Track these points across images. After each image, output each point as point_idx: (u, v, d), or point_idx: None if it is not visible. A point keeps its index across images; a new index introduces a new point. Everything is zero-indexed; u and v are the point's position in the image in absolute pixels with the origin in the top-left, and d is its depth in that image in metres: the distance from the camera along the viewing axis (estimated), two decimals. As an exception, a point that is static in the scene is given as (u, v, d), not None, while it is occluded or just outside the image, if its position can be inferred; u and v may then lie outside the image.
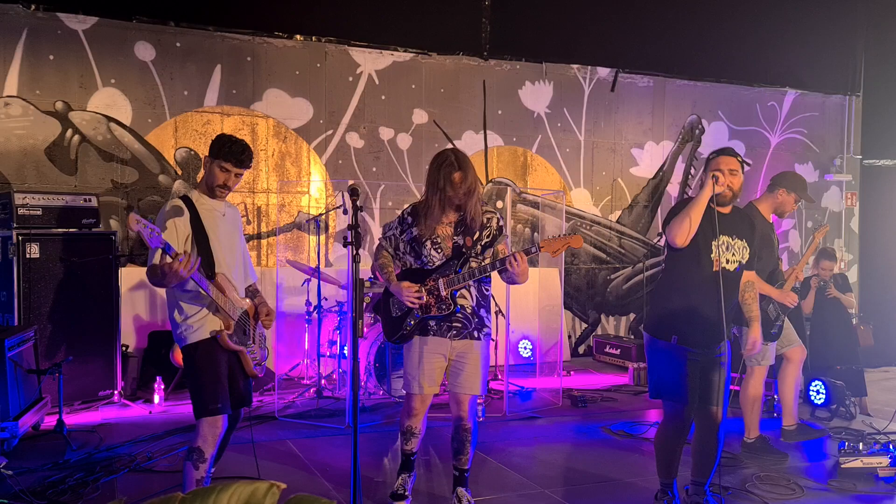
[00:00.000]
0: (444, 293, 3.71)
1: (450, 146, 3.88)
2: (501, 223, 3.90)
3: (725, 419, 3.79)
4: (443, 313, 3.74)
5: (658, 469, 3.91)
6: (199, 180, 3.68)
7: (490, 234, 3.82)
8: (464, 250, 3.76)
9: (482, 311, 3.83)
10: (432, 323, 3.76)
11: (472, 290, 3.79)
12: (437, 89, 8.19)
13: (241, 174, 3.59)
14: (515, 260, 3.58)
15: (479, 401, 5.84)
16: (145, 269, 3.46)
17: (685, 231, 3.60)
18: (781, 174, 5.08)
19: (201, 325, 3.46)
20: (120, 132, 7.00)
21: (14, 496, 3.82)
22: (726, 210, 3.80)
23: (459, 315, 3.76)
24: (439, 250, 3.77)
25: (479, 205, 3.78)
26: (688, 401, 3.69)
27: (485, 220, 3.80)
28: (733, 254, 3.77)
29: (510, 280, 3.73)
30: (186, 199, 3.55)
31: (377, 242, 4.04)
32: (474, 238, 3.77)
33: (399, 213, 3.99)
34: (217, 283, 3.48)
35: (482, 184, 8.33)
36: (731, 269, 3.75)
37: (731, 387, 5.78)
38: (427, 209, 3.75)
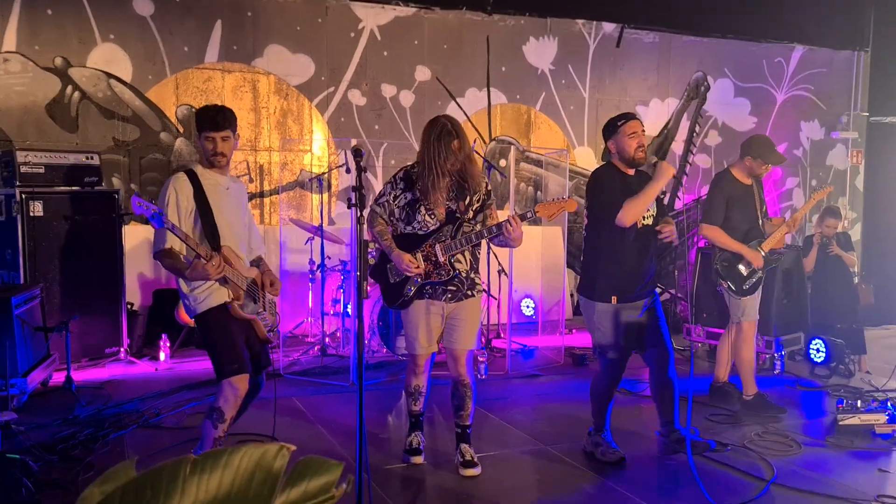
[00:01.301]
0: (442, 259, 3.80)
1: (444, 116, 3.95)
2: (489, 187, 3.98)
3: (672, 357, 4.10)
4: (442, 279, 3.83)
5: (593, 413, 4.25)
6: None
7: (480, 198, 3.90)
8: (458, 215, 3.83)
9: (473, 273, 3.95)
10: (429, 287, 3.86)
11: (467, 253, 3.89)
12: (439, 45, 8.09)
13: (229, 136, 3.60)
14: (511, 224, 3.66)
15: (480, 359, 5.91)
16: (151, 238, 3.52)
17: (640, 216, 3.94)
18: (748, 140, 5.10)
19: (208, 294, 3.54)
20: (120, 89, 6.94)
21: (25, 451, 3.89)
22: (632, 172, 4.13)
23: (455, 280, 3.86)
24: (433, 216, 3.82)
25: (475, 170, 3.87)
26: (624, 352, 4.08)
27: (475, 186, 3.88)
28: (647, 209, 4.01)
29: (503, 244, 3.86)
30: (191, 174, 3.60)
31: (369, 209, 3.98)
32: (466, 203, 3.85)
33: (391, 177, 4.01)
34: (223, 255, 3.53)
35: (485, 142, 8.28)
36: (651, 224, 4.06)
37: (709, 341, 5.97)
38: (427, 176, 3.75)
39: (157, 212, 3.22)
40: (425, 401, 4.11)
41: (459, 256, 3.86)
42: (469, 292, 3.90)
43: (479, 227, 3.88)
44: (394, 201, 3.89)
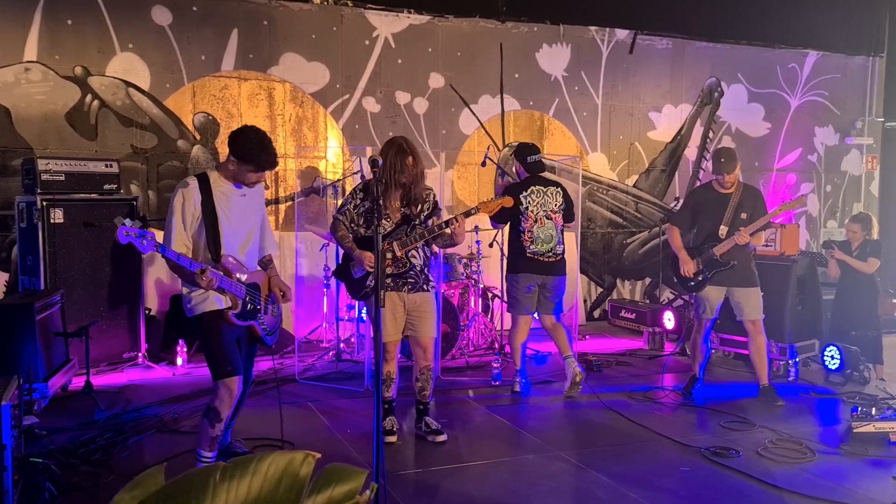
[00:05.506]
0: (399, 253, 4.37)
1: (400, 137, 4.56)
2: (436, 199, 4.57)
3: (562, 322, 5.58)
4: (399, 270, 4.41)
5: (513, 359, 5.70)
6: (220, 161, 3.81)
7: (429, 206, 4.50)
8: (411, 218, 4.42)
9: (427, 269, 4.54)
10: (389, 280, 4.41)
11: (421, 251, 4.48)
12: (453, 53, 8.14)
13: None
14: (457, 221, 4.27)
15: (494, 365, 5.96)
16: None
17: None
18: None
19: (204, 298, 3.65)
20: (138, 97, 7.04)
21: (48, 454, 3.96)
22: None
23: (412, 272, 4.44)
24: (388, 219, 4.39)
25: (423, 183, 4.48)
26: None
27: (424, 196, 4.48)
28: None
29: (448, 244, 4.51)
30: (202, 179, 3.65)
31: (332, 217, 4.62)
32: (418, 210, 4.45)
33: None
34: (222, 265, 3.60)
35: (499, 149, 8.32)
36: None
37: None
38: (382, 187, 4.29)
39: (142, 235, 3.22)
40: (396, 388, 4.61)
41: (415, 252, 4.44)
42: (425, 286, 4.49)
43: (430, 224, 4.43)
44: (354, 209, 4.47)
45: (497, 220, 5.52)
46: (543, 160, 5.65)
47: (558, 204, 5.51)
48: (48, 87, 6.72)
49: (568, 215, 5.58)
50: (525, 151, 5.60)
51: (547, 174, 5.73)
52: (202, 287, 3.49)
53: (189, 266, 3.43)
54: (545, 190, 5.50)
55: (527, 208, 5.42)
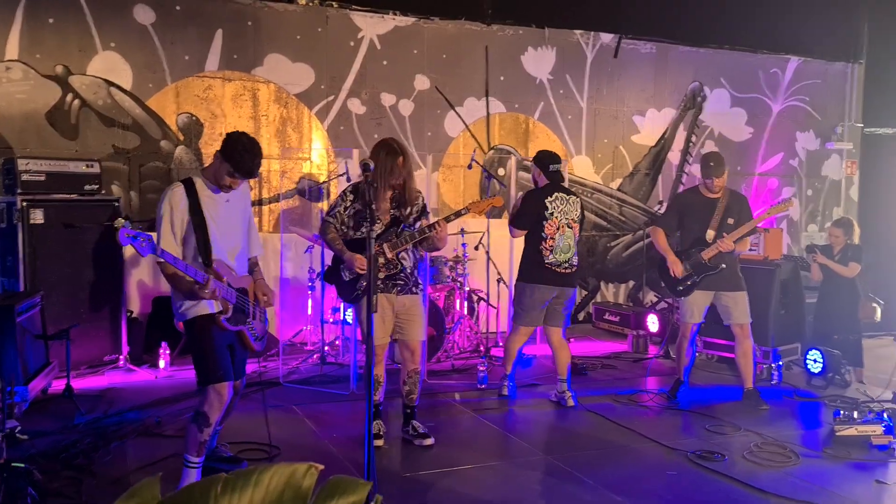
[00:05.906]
0: (389, 255, 4.38)
1: (390, 138, 4.57)
2: (424, 202, 4.61)
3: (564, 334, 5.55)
4: (390, 272, 4.42)
5: (505, 362, 5.69)
6: (203, 162, 3.76)
7: (418, 209, 4.52)
8: (401, 220, 4.44)
9: (416, 272, 4.56)
10: (379, 282, 4.41)
11: (410, 253, 4.50)
12: (438, 55, 8.13)
13: None
14: (439, 225, 4.35)
15: (480, 368, 5.95)
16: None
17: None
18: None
19: (196, 302, 3.60)
20: (120, 97, 6.96)
21: (29, 459, 3.89)
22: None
23: (402, 274, 4.45)
24: (379, 221, 4.39)
25: (414, 185, 4.51)
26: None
27: (414, 197, 4.50)
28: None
29: (431, 248, 4.56)
30: (189, 185, 3.61)
31: (321, 220, 4.62)
32: (407, 212, 4.46)
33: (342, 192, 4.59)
34: (213, 270, 3.57)
35: (484, 151, 8.33)
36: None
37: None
38: (373, 188, 4.21)
39: (143, 238, 3.18)
40: (384, 391, 4.62)
41: (404, 254, 4.45)
42: (414, 289, 4.51)
43: (418, 226, 4.47)
44: (344, 212, 4.47)
45: (518, 225, 5.42)
46: (564, 171, 5.56)
47: (577, 214, 5.45)
48: (29, 85, 6.62)
49: (581, 227, 5.56)
50: (547, 160, 5.47)
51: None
52: (203, 298, 3.46)
53: (194, 275, 3.40)
54: (567, 198, 5.41)
55: (552, 213, 5.31)
